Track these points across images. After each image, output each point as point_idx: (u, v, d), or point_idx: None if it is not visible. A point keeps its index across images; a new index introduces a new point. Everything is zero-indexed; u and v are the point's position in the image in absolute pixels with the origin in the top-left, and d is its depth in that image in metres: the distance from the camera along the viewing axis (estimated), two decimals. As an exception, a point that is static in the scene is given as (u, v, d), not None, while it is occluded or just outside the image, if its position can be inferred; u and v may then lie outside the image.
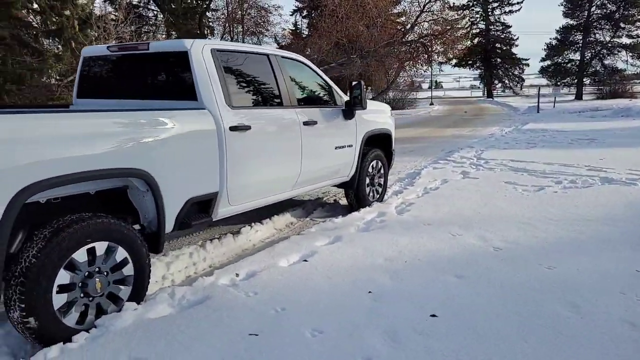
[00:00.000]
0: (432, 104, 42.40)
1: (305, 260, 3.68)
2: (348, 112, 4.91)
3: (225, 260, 4.04)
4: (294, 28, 39.42)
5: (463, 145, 11.50)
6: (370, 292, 3.06)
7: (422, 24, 31.45)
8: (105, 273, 2.69)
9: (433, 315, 2.72)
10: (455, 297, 2.97)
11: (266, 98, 4.08)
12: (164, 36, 36.47)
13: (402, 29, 30.22)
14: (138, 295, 2.87)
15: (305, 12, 38.72)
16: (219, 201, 3.52)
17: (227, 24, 35.10)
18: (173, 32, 36.17)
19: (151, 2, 34.89)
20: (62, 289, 2.48)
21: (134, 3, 35.90)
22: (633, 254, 3.67)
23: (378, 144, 5.77)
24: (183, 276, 3.69)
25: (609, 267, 3.39)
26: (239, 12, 33.97)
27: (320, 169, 4.67)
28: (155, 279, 3.55)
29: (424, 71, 38.66)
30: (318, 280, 3.27)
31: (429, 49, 31.74)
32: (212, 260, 4.02)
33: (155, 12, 36.40)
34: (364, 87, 4.78)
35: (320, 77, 4.83)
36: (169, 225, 3.14)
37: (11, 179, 2.20)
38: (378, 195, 5.83)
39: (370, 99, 6.08)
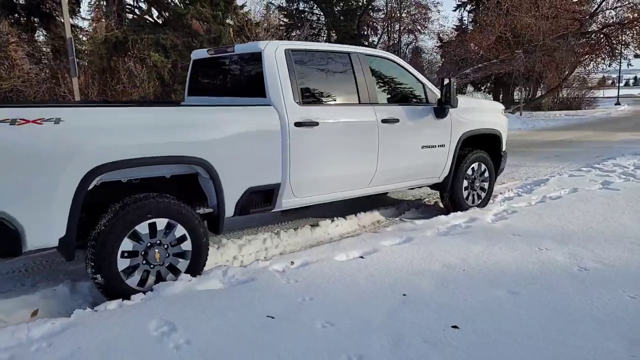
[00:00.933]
0: (618, 103, 36.87)
1: (362, 257, 3.70)
2: (440, 111, 4.71)
3: (298, 249, 4.26)
4: (458, 24, 38.03)
5: (627, 152, 9.87)
6: (404, 294, 2.98)
7: (606, 11, 27.58)
8: (165, 246, 3.14)
9: (454, 327, 2.54)
10: (492, 312, 2.71)
11: (340, 95, 4.17)
12: (325, 38, 38.64)
13: (580, 19, 26.71)
14: (194, 268, 3.27)
15: (469, 7, 37.01)
16: (282, 192, 3.75)
17: (385, 23, 35.48)
18: (333, 34, 38.07)
19: (315, 6, 37.21)
20: (126, 254, 2.98)
21: (301, 8, 38.79)
22: None
23: (482, 145, 5.39)
24: (252, 259, 4.02)
25: None
26: (398, 11, 34.06)
27: (403, 169, 4.59)
28: (226, 258, 3.98)
29: (608, 66, 33.77)
30: (360, 277, 3.28)
31: (613, 40, 27.64)
32: (284, 248, 4.29)
33: (318, 16, 38.74)
34: (454, 84, 4.53)
35: (412, 74, 4.72)
36: (229, 211, 3.48)
37: (81, 161, 2.73)
38: (480, 200, 5.45)
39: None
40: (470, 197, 5.35)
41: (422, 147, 4.67)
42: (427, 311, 2.75)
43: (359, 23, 36.06)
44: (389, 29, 36.04)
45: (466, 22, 37.97)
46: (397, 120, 4.39)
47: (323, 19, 38.51)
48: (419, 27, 35.32)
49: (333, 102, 4.09)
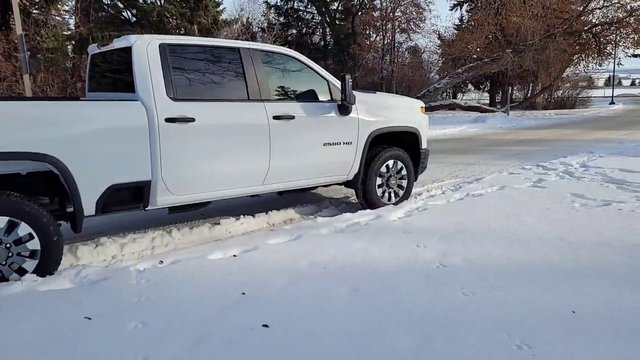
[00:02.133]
0: (612, 102, 36.74)
1: (235, 256, 3.62)
2: (343, 108, 4.61)
3: (191, 247, 4.16)
4: (459, 23, 37.78)
5: (586, 150, 9.75)
6: (243, 293, 2.89)
7: (593, 11, 27.40)
8: (6, 245, 3.05)
9: (264, 326, 2.46)
10: (316, 310, 2.63)
11: (226, 91, 4.07)
12: (319, 37, 38.37)
13: (568, 18, 26.46)
14: (44, 268, 3.18)
15: (467, 6, 36.79)
16: (155, 190, 3.66)
17: (381, 22, 35.21)
18: (328, 32, 37.84)
19: (309, 5, 37.04)
20: (-42, 253, 2.90)
21: (295, 7, 38.71)
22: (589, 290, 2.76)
23: (399, 143, 5.30)
24: (135, 258, 3.93)
25: (539, 304, 2.62)
26: (391, 10, 33.79)
27: (302, 166, 4.49)
28: (103, 258, 3.89)
29: (599, 65, 33.46)
30: (216, 276, 3.19)
31: (601, 40, 27.44)
32: (174, 246, 4.19)
33: (312, 14, 38.64)
34: (349, 80, 4.43)
35: (314, 71, 4.61)
36: (89, 209, 3.39)
37: None
38: (398, 198, 5.34)
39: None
40: (386, 195, 5.25)
41: (325, 144, 4.58)
42: (251, 310, 2.66)
43: (354, 22, 35.96)
44: (384, 27, 35.72)
45: (465, 21, 37.72)
46: (292, 117, 4.30)
47: (318, 18, 38.45)
48: (413, 26, 35.05)
49: (216, 98, 3.99)
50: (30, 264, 3.15)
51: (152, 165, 3.58)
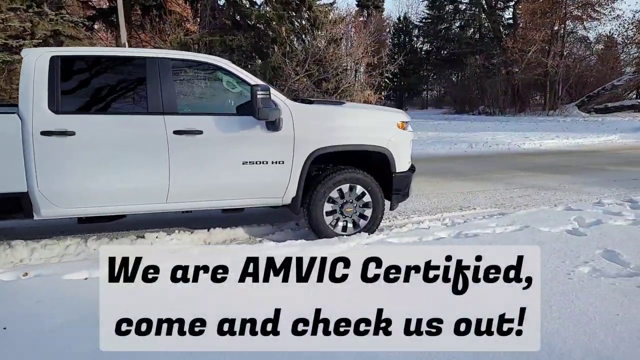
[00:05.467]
0: None
1: (86, 279, 3.44)
2: (270, 123, 4.02)
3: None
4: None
5: None
6: (4, 328, 2.70)
7: None
8: None
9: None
10: None
11: (122, 104, 3.88)
12: (474, 30, 35.44)
13: None
14: None
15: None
16: (36, 201, 3.69)
17: (548, 8, 30.93)
18: (485, 24, 34.85)
19: None
20: None
21: (453, -1, 36.40)
22: None
23: (366, 164, 4.46)
24: (39, 264, 3.99)
25: None
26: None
27: (214, 186, 4.06)
28: (11, 260, 4.07)
29: None
30: (26, 303, 3.07)
31: None
32: (87, 256, 4.18)
33: (468, 5, 35.98)
34: (258, 92, 3.77)
35: (245, 82, 4.09)
36: (-36, 215, 3.58)
37: None
38: (358, 229, 4.49)
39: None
40: (340, 224, 4.46)
41: (244, 162, 4.06)
42: None
43: (516, 10, 32.49)
44: (553, 15, 31.12)
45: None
46: (199, 132, 3.91)
47: (474, 9, 35.74)
48: (590, 12, 29.83)
49: (104, 111, 3.83)
50: None
51: (27, 177, 3.62)
